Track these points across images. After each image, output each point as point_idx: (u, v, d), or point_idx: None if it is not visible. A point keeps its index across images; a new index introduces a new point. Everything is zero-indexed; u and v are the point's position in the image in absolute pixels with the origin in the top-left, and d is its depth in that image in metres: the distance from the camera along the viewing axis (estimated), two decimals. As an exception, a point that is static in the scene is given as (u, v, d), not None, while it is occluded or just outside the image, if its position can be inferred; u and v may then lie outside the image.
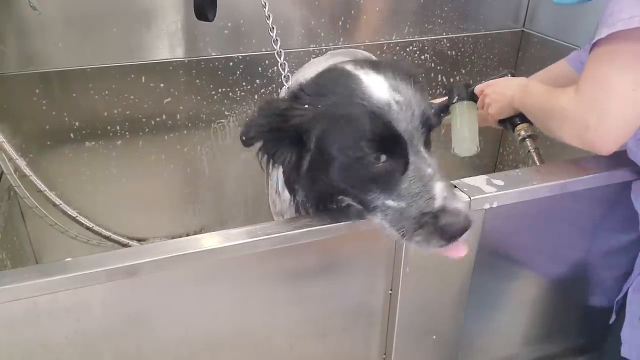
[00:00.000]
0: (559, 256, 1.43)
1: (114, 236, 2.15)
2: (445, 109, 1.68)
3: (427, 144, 0.99)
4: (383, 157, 0.94)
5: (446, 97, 1.66)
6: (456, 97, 1.63)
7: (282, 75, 1.43)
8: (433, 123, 0.98)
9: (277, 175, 1.28)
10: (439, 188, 0.93)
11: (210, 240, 1.05)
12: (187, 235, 1.09)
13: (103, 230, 2.10)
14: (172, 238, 1.07)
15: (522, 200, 1.21)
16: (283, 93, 1.51)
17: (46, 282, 0.94)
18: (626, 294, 1.32)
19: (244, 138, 1.02)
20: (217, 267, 1.08)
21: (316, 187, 1.04)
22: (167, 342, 1.12)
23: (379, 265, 1.22)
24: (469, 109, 1.62)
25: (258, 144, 1.03)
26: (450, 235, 0.92)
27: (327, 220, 1.09)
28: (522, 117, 1.53)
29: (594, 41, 1.09)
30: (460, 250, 0.97)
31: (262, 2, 1.49)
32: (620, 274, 1.41)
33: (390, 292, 1.25)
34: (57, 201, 1.89)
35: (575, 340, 1.63)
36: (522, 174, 1.25)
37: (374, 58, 1.72)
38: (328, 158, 0.97)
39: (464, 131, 1.60)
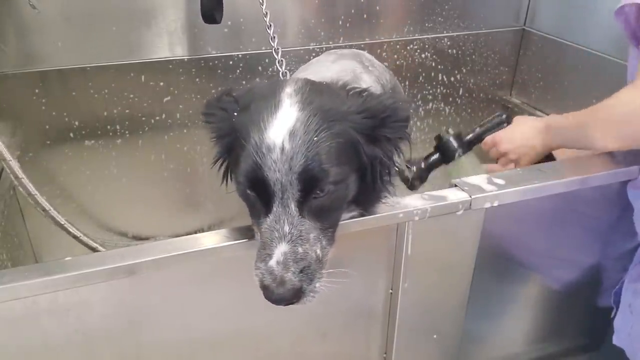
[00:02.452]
0: (559, 255, 1.43)
1: (100, 248, 2.13)
2: (436, 165, 1.60)
3: (304, 203, 0.93)
4: (254, 193, 0.95)
5: (437, 153, 1.59)
6: (457, 154, 1.55)
7: (280, 73, 1.43)
8: (316, 185, 0.91)
9: None
10: (281, 250, 0.90)
11: (210, 240, 1.05)
12: (187, 234, 1.09)
13: (90, 241, 2.07)
14: (172, 237, 1.07)
15: (523, 200, 1.21)
16: None
17: (46, 281, 0.94)
18: (623, 284, 1.33)
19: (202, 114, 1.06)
20: (217, 266, 1.08)
21: None
22: (167, 341, 1.12)
23: (379, 264, 1.21)
24: (473, 164, 1.55)
25: None
26: (268, 298, 0.91)
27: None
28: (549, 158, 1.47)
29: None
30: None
31: (260, 0, 1.48)
32: (620, 273, 1.41)
33: (390, 291, 1.25)
34: (47, 206, 1.87)
35: (575, 340, 1.63)
36: (523, 173, 1.25)
37: (376, 63, 1.70)
38: (231, 166, 1.01)
39: None
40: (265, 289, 0.90)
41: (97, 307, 1.02)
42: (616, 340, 1.32)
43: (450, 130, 1.60)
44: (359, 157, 0.97)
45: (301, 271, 0.90)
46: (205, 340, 1.16)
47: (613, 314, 1.39)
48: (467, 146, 1.55)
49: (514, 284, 1.43)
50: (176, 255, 1.01)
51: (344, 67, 1.54)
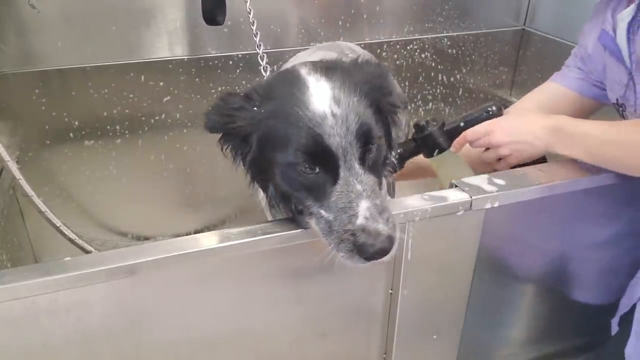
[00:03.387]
0: (559, 256, 1.43)
1: (95, 252, 2.12)
2: (413, 154, 1.48)
3: (364, 160, 0.97)
4: (315, 169, 0.95)
5: (414, 144, 1.46)
6: (436, 151, 1.42)
7: (261, 67, 1.45)
8: (371, 138, 0.96)
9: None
10: (364, 206, 0.92)
11: (210, 240, 1.05)
12: (187, 234, 1.09)
13: (85, 244, 2.07)
14: (172, 237, 1.07)
15: (524, 200, 1.21)
16: None
17: (46, 281, 0.94)
18: (632, 309, 1.30)
19: (204, 126, 1.05)
20: (217, 266, 1.08)
21: (272, 186, 1.05)
22: (166, 342, 1.12)
23: (379, 264, 1.21)
24: (457, 162, 1.43)
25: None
26: (366, 255, 0.91)
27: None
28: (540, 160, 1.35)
29: None
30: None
31: (247, 9, 1.49)
32: (621, 276, 1.41)
33: (390, 291, 1.25)
34: (43, 208, 1.87)
35: (574, 340, 1.63)
36: (523, 174, 1.25)
37: (359, 50, 1.71)
38: (270, 160, 0.99)
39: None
40: (361, 247, 0.90)
41: (97, 307, 1.02)
42: None
43: (432, 121, 1.45)
44: (380, 116, 1.04)
45: (387, 220, 0.92)
46: (205, 340, 1.16)
47: (614, 331, 1.37)
48: (450, 139, 1.41)
49: (513, 284, 1.43)
50: (176, 256, 1.01)
51: (320, 57, 1.55)
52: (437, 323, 1.34)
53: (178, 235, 1.06)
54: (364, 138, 0.95)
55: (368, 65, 1.07)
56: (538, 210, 1.28)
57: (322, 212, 0.96)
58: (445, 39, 2.44)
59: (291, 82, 0.99)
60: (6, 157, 1.72)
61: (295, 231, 1.07)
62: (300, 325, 1.24)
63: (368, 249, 0.90)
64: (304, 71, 1.00)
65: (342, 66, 1.05)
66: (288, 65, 1.66)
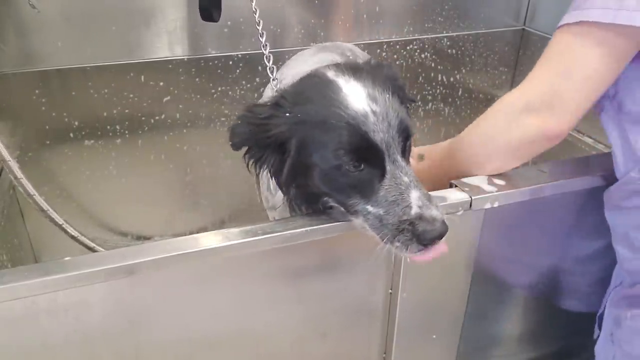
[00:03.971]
0: (559, 256, 1.43)
1: (97, 248, 2.13)
2: None
3: (405, 152, 1.01)
4: (361, 166, 0.97)
5: None
6: None
7: (271, 79, 1.44)
8: (410, 132, 1.00)
9: (266, 181, 1.31)
10: (415, 196, 0.95)
11: (210, 240, 1.05)
12: (187, 234, 1.09)
13: (87, 241, 2.08)
14: (172, 237, 1.07)
15: (524, 200, 1.21)
16: (267, 92, 1.53)
17: (46, 281, 0.94)
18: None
19: (230, 143, 1.05)
20: (217, 266, 1.08)
21: (301, 189, 1.06)
22: (166, 342, 1.12)
23: (379, 264, 1.21)
24: None
25: (244, 148, 1.06)
26: (427, 241, 0.94)
27: (327, 220, 1.09)
28: None
29: (559, 25, 1.09)
30: (439, 250, 0.98)
31: (253, 9, 1.49)
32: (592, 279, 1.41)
33: (390, 291, 1.25)
34: (45, 207, 1.87)
35: (574, 340, 1.63)
36: (523, 174, 1.25)
37: (358, 51, 1.73)
38: (309, 164, 0.99)
39: None
40: (423, 234, 0.93)
41: (97, 307, 1.02)
42: None
43: None
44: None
45: (437, 206, 0.97)
46: (204, 340, 1.16)
47: (596, 335, 1.36)
48: None
49: (513, 284, 1.43)
50: (176, 255, 1.01)
51: (321, 59, 1.57)
52: (436, 323, 1.35)
53: (178, 235, 1.06)
54: (405, 132, 0.99)
55: (383, 66, 1.11)
56: (538, 211, 1.28)
57: (370, 207, 0.98)
58: (445, 39, 2.44)
59: (321, 85, 1.01)
60: (7, 156, 1.73)
61: (296, 231, 1.07)
62: (301, 325, 1.24)
63: (428, 235, 0.93)
64: (330, 74, 1.02)
65: (365, 67, 1.08)
66: (290, 64, 1.66)
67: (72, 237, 1.97)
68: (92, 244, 2.04)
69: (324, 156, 0.97)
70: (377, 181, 0.97)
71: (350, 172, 0.97)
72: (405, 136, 0.99)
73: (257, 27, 1.46)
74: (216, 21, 1.77)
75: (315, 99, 0.99)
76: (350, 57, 1.61)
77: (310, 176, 1.01)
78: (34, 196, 1.81)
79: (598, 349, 1.29)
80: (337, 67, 1.05)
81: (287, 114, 1.00)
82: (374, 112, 0.96)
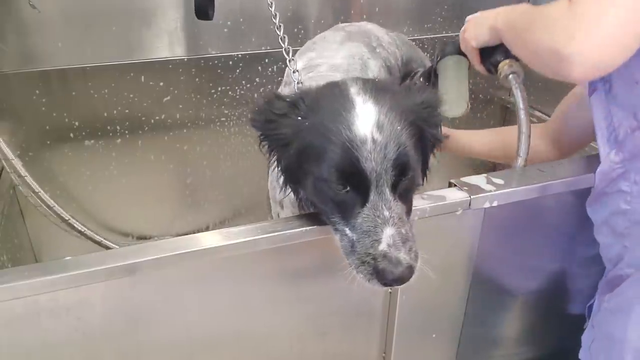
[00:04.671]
0: (557, 256, 1.43)
1: (104, 241, 2.15)
2: (432, 73, 1.57)
3: (397, 188, 0.98)
4: (346, 188, 0.97)
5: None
6: (442, 55, 1.53)
7: (292, 72, 1.40)
8: (408, 169, 0.98)
9: (272, 176, 1.32)
10: (388, 233, 0.94)
11: (210, 239, 1.05)
12: (187, 234, 1.09)
13: (94, 235, 2.09)
14: (172, 237, 1.07)
15: (522, 200, 1.21)
16: (288, 82, 1.51)
17: (46, 280, 0.94)
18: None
19: (250, 121, 1.07)
20: (217, 265, 1.08)
21: (299, 189, 1.08)
22: (167, 341, 1.12)
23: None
24: (457, 63, 1.52)
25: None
26: (384, 282, 0.93)
27: (327, 219, 1.09)
28: (505, 53, 1.40)
29: None
30: None
31: (269, 2, 1.48)
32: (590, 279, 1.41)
33: (390, 291, 1.25)
34: (51, 203, 1.88)
35: (573, 339, 1.63)
36: (522, 173, 1.26)
37: (385, 38, 1.68)
38: (305, 170, 1.01)
39: (453, 85, 1.51)
40: (380, 273, 0.92)
41: (97, 306, 1.02)
42: (581, 354, 1.29)
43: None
44: (422, 143, 1.06)
45: (409, 250, 0.94)
46: (204, 339, 1.16)
47: (585, 325, 1.37)
48: (459, 51, 1.52)
49: (512, 283, 1.43)
50: (176, 255, 1.01)
51: (351, 52, 1.55)
52: (436, 322, 1.35)
53: (178, 235, 1.07)
54: (400, 168, 0.97)
55: (420, 92, 1.08)
56: (537, 210, 1.29)
57: (347, 230, 0.98)
58: (445, 39, 2.44)
59: (338, 98, 1.00)
60: (10, 155, 1.74)
61: (295, 230, 1.07)
62: (301, 324, 1.24)
63: (387, 275, 0.92)
64: (353, 90, 1.01)
65: (393, 89, 1.07)
66: (316, 50, 1.61)
67: (80, 232, 1.99)
68: (99, 238, 2.05)
69: (317, 168, 0.98)
70: (357, 207, 0.97)
71: (336, 190, 0.97)
72: (399, 172, 0.97)
73: (274, 20, 1.43)
74: (211, 19, 1.78)
75: (328, 111, 0.99)
76: (377, 50, 1.58)
77: (304, 181, 1.03)
78: (39, 193, 1.83)
79: (585, 337, 1.30)
80: (365, 83, 1.04)
81: (299, 118, 1.01)
82: (374, 140, 0.95)
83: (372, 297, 1.26)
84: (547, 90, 2.46)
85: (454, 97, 1.49)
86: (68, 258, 0.98)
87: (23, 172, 1.78)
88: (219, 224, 2.44)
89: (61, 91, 2.00)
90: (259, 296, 1.16)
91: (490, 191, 1.18)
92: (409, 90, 1.09)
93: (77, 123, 2.07)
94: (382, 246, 0.92)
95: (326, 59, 1.52)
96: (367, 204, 0.96)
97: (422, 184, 1.15)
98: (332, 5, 2.21)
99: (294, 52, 1.43)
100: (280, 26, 1.42)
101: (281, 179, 1.12)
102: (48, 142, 2.06)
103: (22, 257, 2.02)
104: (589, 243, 1.38)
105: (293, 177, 1.07)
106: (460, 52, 1.50)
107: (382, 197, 0.96)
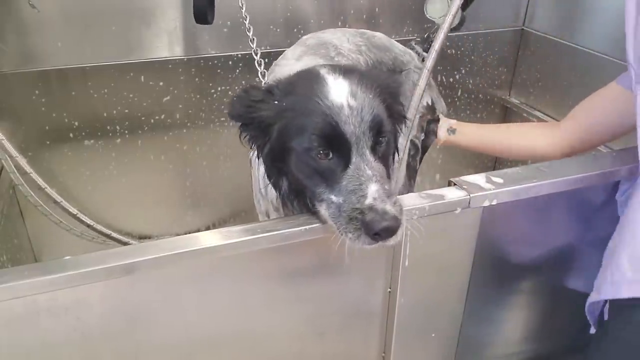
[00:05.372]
0: (556, 255, 1.43)
1: (114, 234, 2.16)
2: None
3: (376, 149, 1.04)
4: (329, 154, 1.02)
5: None
6: None
7: (259, 72, 1.52)
8: (383, 129, 1.04)
9: (259, 174, 1.33)
10: (372, 189, 0.98)
11: (209, 238, 1.05)
12: (187, 234, 1.09)
13: (104, 229, 2.11)
14: (172, 237, 1.07)
15: (522, 198, 1.21)
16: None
17: (46, 280, 0.95)
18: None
19: (228, 114, 1.12)
20: (216, 265, 1.08)
21: (289, 180, 1.11)
22: (165, 340, 1.12)
23: (378, 263, 1.22)
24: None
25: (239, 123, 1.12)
26: (374, 232, 0.95)
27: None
28: None
29: None
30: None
31: (240, 3, 1.52)
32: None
33: (389, 290, 1.25)
34: (58, 198, 1.89)
35: (571, 339, 1.63)
36: (521, 172, 1.26)
37: (344, 46, 1.69)
38: (287, 148, 1.05)
39: None
40: (368, 225, 0.95)
41: (96, 305, 1.02)
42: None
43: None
44: (390, 117, 1.11)
45: (394, 203, 0.98)
46: (203, 339, 1.16)
47: (592, 331, 1.35)
48: None
49: (511, 282, 1.44)
50: (175, 254, 1.01)
51: (307, 64, 1.56)
52: (435, 321, 1.35)
53: (177, 234, 1.07)
54: (377, 128, 1.03)
55: (384, 72, 1.17)
56: (536, 209, 1.29)
57: (333, 197, 1.02)
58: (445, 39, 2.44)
59: (311, 79, 1.07)
60: (14, 152, 1.74)
61: (295, 229, 1.07)
62: (300, 323, 1.24)
63: (375, 225, 0.94)
64: (323, 71, 1.08)
65: (360, 70, 1.14)
66: (275, 69, 1.65)
67: (88, 225, 2.01)
68: (108, 231, 2.07)
69: (300, 140, 1.02)
70: (341, 170, 1.01)
71: (319, 159, 1.02)
72: (376, 132, 1.03)
73: (248, 33, 1.52)
74: (210, 23, 1.78)
75: (302, 90, 1.06)
76: (335, 59, 1.61)
77: (287, 161, 1.06)
78: (45, 189, 1.83)
79: (597, 282, 1.29)
80: (332, 66, 1.11)
81: (276, 102, 1.07)
82: (350, 106, 1.01)
83: (372, 296, 1.26)
84: (547, 90, 2.46)
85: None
86: (67, 258, 0.98)
87: (28, 169, 1.79)
88: (218, 224, 2.44)
89: (61, 91, 2.00)
90: (258, 296, 1.16)
91: (490, 190, 1.18)
92: (373, 70, 1.21)
93: (76, 123, 2.07)
94: (368, 200, 0.96)
95: (283, 74, 1.54)
96: (350, 166, 1.01)
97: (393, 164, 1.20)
98: (331, 5, 2.21)
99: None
100: (253, 39, 1.52)
101: (263, 183, 1.14)
102: (47, 142, 2.06)
103: (22, 258, 2.02)
104: (589, 241, 1.39)
105: (275, 162, 1.10)
106: None
107: (363, 158, 1.01)
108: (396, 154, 1.22)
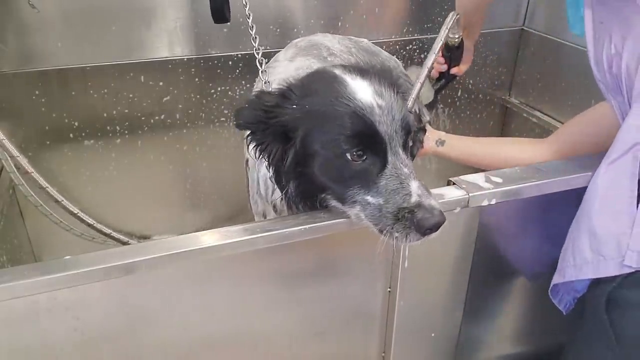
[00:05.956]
0: (555, 254, 1.43)
1: (114, 234, 2.16)
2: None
3: (406, 147, 1.05)
4: (364, 156, 1.01)
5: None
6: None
7: (260, 72, 1.47)
8: (412, 128, 1.04)
9: (258, 175, 1.33)
10: (414, 186, 0.99)
11: (208, 238, 1.05)
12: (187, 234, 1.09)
13: (104, 228, 2.11)
14: (171, 236, 1.07)
15: (521, 198, 1.21)
16: (257, 86, 1.57)
17: (46, 279, 0.95)
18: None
19: (235, 124, 1.08)
20: (216, 264, 1.08)
21: (300, 182, 1.08)
22: (165, 340, 1.12)
23: (378, 263, 1.22)
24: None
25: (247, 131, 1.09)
26: (425, 228, 0.96)
27: (326, 218, 1.09)
28: None
29: None
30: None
31: (244, 2, 1.51)
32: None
33: (389, 290, 1.26)
34: (59, 197, 1.89)
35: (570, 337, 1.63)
36: (520, 171, 1.26)
37: (335, 47, 1.71)
38: (312, 154, 1.03)
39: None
40: (421, 221, 0.95)
41: (96, 305, 1.03)
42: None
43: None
44: None
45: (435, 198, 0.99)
46: (203, 339, 1.16)
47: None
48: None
49: (511, 281, 1.44)
50: (175, 254, 1.01)
51: (301, 64, 1.58)
52: (435, 321, 1.35)
53: (177, 234, 1.07)
54: (407, 127, 1.03)
55: (390, 70, 1.18)
56: (535, 208, 1.29)
57: (369, 198, 1.01)
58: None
59: (329, 80, 1.05)
60: (15, 152, 1.74)
61: (294, 229, 1.07)
62: (299, 323, 1.24)
63: (426, 222, 0.95)
64: (338, 71, 1.07)
65: (371, 69, 1.12)
66: (268, 70, 1.65)
67: (89, 224, 2.01)
68: (108, 230, 2.07)
69: (328, 145, 1.00)
70: (378, 171, 1.01)
71: (352, 161, 1.00)
72: (406, 131, 1.03)
73: (250, 32, 1.48)
74: (228, 21, 1.77)
75: (323, 91, 1.03)
76: (328, 59, 1.61)
77: (312, 166, 1.04)
78: (47, 189, 1.83)
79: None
80: (345, 67, 1.09)
81: (294, 105, 1.03)
82: (379, 106, 1.00)
83: (372, 296, 1.26)
84: (547, 90, 2.46)
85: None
86: (67, 257, 0.98)
87: (29, 168, 1.79)
88: (218, 224, 2.43)
89: (61, 91, 2.00)
90: (258, 295, 1.16)
91: (489, 189, 1.18)
92: (384, 69, 1.17)
93: (76, 123, 2.07)
94: (414, 198, 0.97)
95: (277, 75, 1.55)
96: (387, 165, 1.01)
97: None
98: (331, 5, 2.21)
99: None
100: (256, 37, 1.47)
101: (263, 186, 1.13)
102: (47, 142, 2.06)
103: (22, 258, 2.02)
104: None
105: (298, 167, 1.06)
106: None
107: (398, 157, 1.01)
108: None
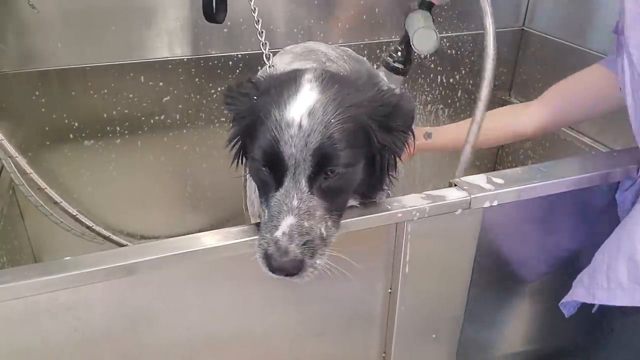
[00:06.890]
0: (556, 255, 1.43)
1: (113, 236, 2.15)
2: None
3: (315, 180, 0.96)
4: (268, 169, 0.98)
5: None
6: (408, 11, 1.69)
7: (267, 66, 1.45)
8: (329, 164, 0.95)
9: None
10: (287, 222, 0.93)
11: (209, 239, 1.05)
12: (187, 235, 1.09)
13: (103, 230, 2.10)
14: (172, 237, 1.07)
15: (523, 199, 1.21)
16: None
17: (46, 280, 0.94)
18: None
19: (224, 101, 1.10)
20: (217, 266, 1.08)
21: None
22: (166, 341, 1.12)
23: (378, 264, 1.22)
24: (422, 14, 1.65)
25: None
26: (270, 267, 0.94)
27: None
28: None
29: None
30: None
31: (252, 8, 1.50)
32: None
33: (389, 291, 1.25)
34: (58, 199, 1.89)
35: (573, 339, 1.63)
36: (522, 173, 1.25)
37: (332, 55, 1.70)
38: (249, 147, 1.04)
39: (420, 24, 1.61)
40: (267, 257, 0.93)
41: (97, 306, 1.02)
42: None
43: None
44: (370, 144, 1.01)
45: (304, 244, 0.93)
46: (204, 339, 1.16)
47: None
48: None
49: (512, 282, 1.43)
50: (176, 255, 1.01)
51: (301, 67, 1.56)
52: (436, 322, 1.34)
53: (178, 235, 1.07)
54: (319, 160, 0.94)
55: (379, 92, 1.04)
56: (536, 210, 1.29)
57: (265, 209, 1.01)
58: (445, 40, 2.44)
59: (288, 83, 1.01)
60: (14, 152, 1.74)
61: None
62: (300, 324, 1.24)
63: (271, 261, 0.93)
64: (306, 76, 1.02)
65: (346, 82, 1.04)
66: (264, 73, 1.66)
67: (87, 227, 2.01)
68: (107, 233, 2.06)
69: (251, 145, 1.00)
70: (273, 190, 0.98)
71: (260, 169, 0.99)
72: (317, 163, 0.94)
73: (257, 26, 1.45)
74: (220, 22, 1.77)
75: (274, 93, 1.00)
76: (327, 64, 1.60)
77: (250, 157, 1.04)
78: (46, 189, 1.83)
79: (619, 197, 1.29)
80: (322, 72, 1.04)
81: (255, 97, 1.03)
82: (300, 126, 0.93)
83: (372, 297, 1.26)
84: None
85: (423, 32, 1.58)
86: (67, 258, 0.98)
87: (28, 169, 1.79)
88: (219, 225, 2.43)
89: (61, 91, 2.00)
90: (259, 296, 1.16)
91: (491, 190, 1.18)
92: (365, 86, 1.05)
93: (76, 123, 2.07)
94: (277, 233, 0.93)
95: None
96: (280, 189, 0.96)
97: (387, 189, 1.14)
98: (331, 4, 2.21)
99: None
100: (262, 32, 1.45)
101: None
102: (47, 143, 2.06)
103: (22, 258, 2.02)
104: (590, 242, 1.39)
105: (243, 157, 1.10)
106: (423, 7, 1.64)
107: (297, 185, 0.95)
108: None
